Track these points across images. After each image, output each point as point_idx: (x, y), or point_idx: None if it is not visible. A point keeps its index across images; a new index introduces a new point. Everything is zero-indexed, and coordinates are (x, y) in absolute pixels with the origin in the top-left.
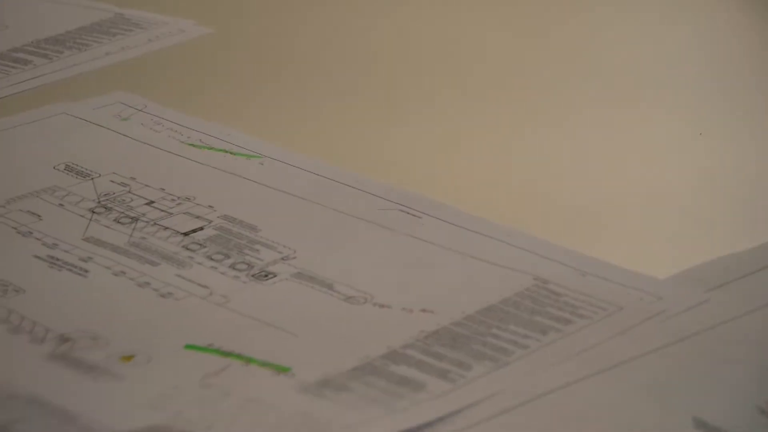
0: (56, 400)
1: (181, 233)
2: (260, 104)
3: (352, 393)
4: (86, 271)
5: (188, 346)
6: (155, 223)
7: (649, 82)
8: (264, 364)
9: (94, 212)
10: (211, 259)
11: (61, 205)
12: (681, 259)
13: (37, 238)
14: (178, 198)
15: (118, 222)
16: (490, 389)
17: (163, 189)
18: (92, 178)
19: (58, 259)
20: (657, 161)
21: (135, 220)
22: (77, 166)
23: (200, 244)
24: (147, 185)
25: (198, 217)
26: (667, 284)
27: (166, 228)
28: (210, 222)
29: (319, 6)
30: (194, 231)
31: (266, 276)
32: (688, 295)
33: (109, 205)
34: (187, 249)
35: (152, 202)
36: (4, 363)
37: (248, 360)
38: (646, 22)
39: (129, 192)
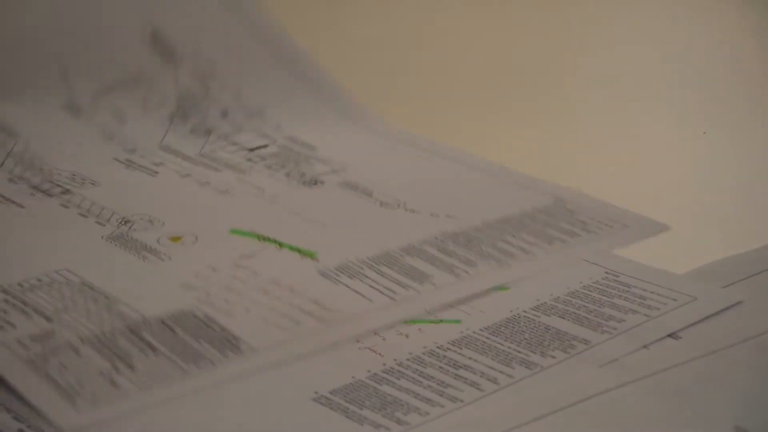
0: (103, 284)
1: (248, 149)
2: None
3: (365, 280)
4: (156, 172)
5: (233, 231)
6: (226, 138)
7: (653, 81)
8: (294, 249)
9: (173, 120)
10: (270, 168)
11: (144, 108)
12: (685, 259)
13: (119, 143)
14: (250, 111)
15: (193, 133)
16: (490, 284)
17: (238, 99)
18: (174, 63)
19: (133, 162)
20: (660, 160)
21: (208, 132)
22: (165, 37)
23: (262, 158)
24: (225, 87)
25: (265, 135)
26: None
27: (235, 143)
28: (275, 141)
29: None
30: (259, 147)
31: (315, 183)
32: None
33: (187, 113)
34: (250, 161)
35: (226, 114)
36: (68, 243)
37: (281, 245)
38: (650, 21)
39: (207, 97)
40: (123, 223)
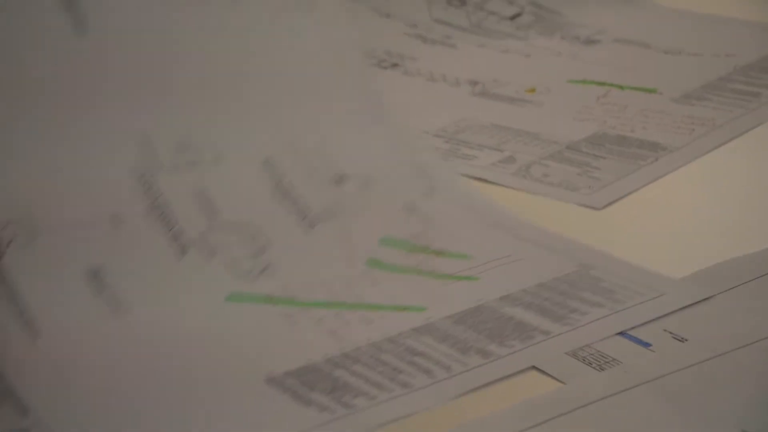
0: (511, 123)
1: (508, 18)
2: None
3: (710, 101)
4: (453, 45)
5: (570, 81)
6: (482, 8)
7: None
8: (634, 89)
9: None
10: (542, 35)
11: None
12: (688, 259)
13: (400, 18)
14: None
15: (451, 5)
16: None
17: None
18: None
19: (421, 35)
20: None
21: (463, 3)
22: None
23: (527, 26)
24: None
25: (511, 3)
26: (666, 281)
27: (493, 12)
28: (523, 8)
29: None
30: (516, 16)
31: (593, 42)
32: (690, 292)
33: None
34: (520, 29)
35: None
36: (440, 104)
37: (621, 87)
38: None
39: None
40: (473, 84)
